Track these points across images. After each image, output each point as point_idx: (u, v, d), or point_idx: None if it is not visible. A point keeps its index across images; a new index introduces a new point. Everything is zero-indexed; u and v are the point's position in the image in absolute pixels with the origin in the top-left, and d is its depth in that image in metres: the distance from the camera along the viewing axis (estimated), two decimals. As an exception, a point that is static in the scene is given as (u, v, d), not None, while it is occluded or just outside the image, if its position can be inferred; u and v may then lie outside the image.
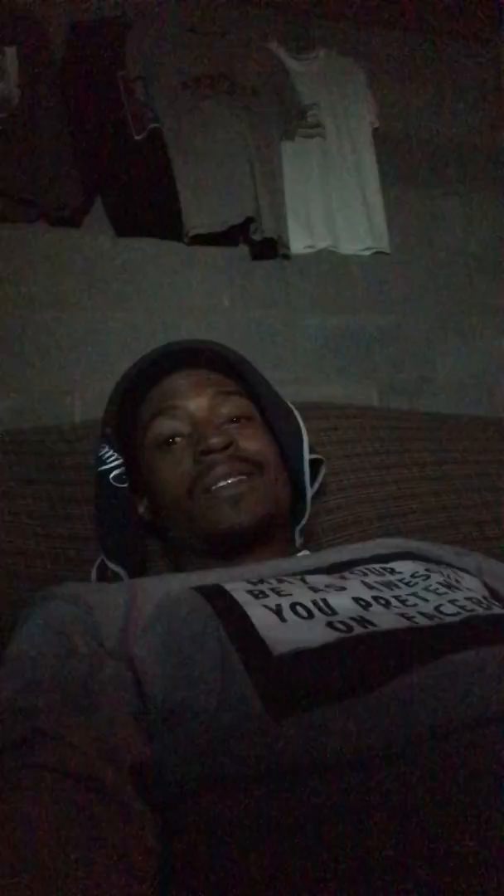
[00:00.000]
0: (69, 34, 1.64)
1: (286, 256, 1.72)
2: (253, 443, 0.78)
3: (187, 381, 0.82)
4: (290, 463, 0.85)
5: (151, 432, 0.80)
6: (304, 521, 0.87)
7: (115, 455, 0.83)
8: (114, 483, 0.82)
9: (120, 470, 0.82)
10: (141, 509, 0.86)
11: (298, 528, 0.87)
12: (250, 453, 0.76)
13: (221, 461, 0.74)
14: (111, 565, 0.82)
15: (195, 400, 0.80)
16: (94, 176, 1.58)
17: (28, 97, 1.51)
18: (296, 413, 0.88)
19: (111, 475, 0.82)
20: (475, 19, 2.01)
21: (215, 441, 0.74)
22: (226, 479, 0.74)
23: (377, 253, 1.82)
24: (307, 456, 0.86)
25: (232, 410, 0.80)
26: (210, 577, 0.67)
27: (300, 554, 0.83)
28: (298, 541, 0.87)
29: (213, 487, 0.74)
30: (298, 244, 1.73)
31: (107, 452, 0.83)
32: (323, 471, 0.89)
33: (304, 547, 0.87)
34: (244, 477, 0.75)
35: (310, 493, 0.86)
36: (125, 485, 0.82)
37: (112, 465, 0.82)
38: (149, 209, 1.63)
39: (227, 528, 0.73)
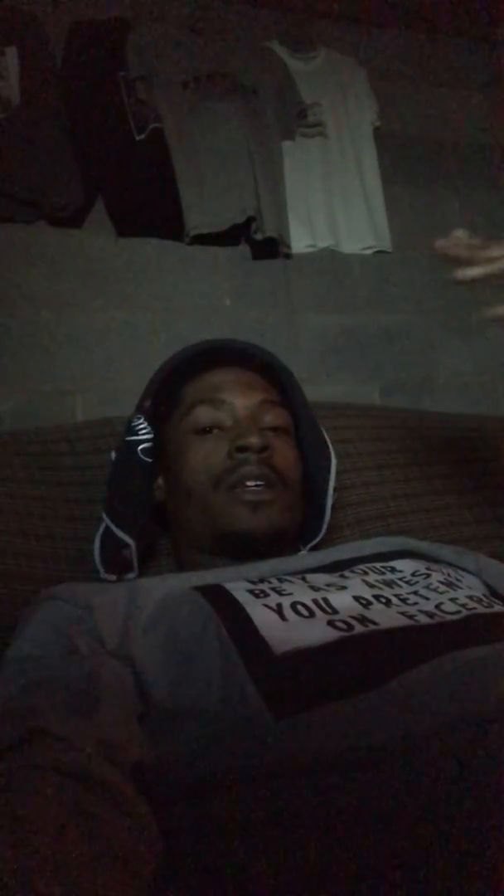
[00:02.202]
0: (70, 34, 1.64)
1: (287, 256, 1.72)
2: (285, 457, 0.79)
3: (238, 378, 0.83)
4: (310, 485, 0.85)
5: (192, 417, 0.80)
6: (315, 542, 0.87)
7: (149, 429, 0.83)
8: (140, 455, 0.83)
9: (149, 444, 0.83)
10: (156, 489, 0.86)
11: (308, 546, 0.87)
12: (281, 467, 0.77)
13: (253, 462, 0.75)
14: (119, 533, 0.82)
15: (242, 399, 0.80)
16: (95, 176, 1.59)
17: (28, 97, 1.51)
18: (327, 439, 0.89)
19: (140, 447, 0.83)
20: (473, 18, 2.01)
21: (255, 441, 0.75)
22: (253, 481, 0.74)
23: (379, 252, 1.82)
24: (332, 484, 0.86)
25: (274, 420, 0.81)
26: (210, 576, 0.67)
27: (301, 553, 0.83)
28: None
29: (239, 487, 0.74)
30: (300, 243, 1.73)
31: (140, 424, 0.84)
32: (335, 496, 0.89)
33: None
34: (268, 487, 0.75)
35: (328, 516, 0.87)
36: (150, 460, 0.83)
37: (143, 437, 0.83)
38: (150, 209, 1.63)
39: (242, 531, 0.73)
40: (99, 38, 1.64)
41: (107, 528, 0.83)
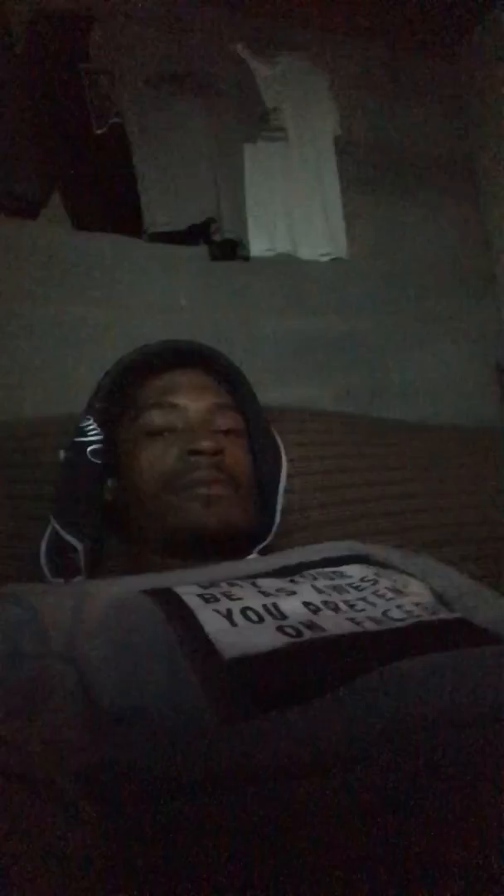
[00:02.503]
0: (32, 22, 1.60)
1: (246, 258, 1.72)
2: (237, 461, 0.79)
3: (191, 381, 0.83)
4: (263, 487, 0.86)
5: (144, 420, 0.79)
6: (265, 544, 0.88)
7: (98, 430, 0.82)
8: (90, 457, 0.81)
9: (98, 446, 0.82)
10: (106, 491, 0.85)
11: (258, 549, 0.88)
12: (233, 470, 0.77)
13: (206, 466, 0.75)
14: (67, 537, 0.80)
15: (195, 402, 0.80)
16: (54, 167, 1.55)
17: (-14, 83, 1.47)
18: (279, 441, 0.90)
19: (89, 448, 0.82)
20: (438, 34, 2.05)
21: (207, 444, 0.75)
22: (205, 485, 0.75)
23: (335, 259, 1.84)
24: (282, 486, 0.87)
25: (227, 423, 0.82)
26: (161, 579, 0.66)
27: (251, 557, 0.84)
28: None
29: (191, 489, 0.74)
30: (258, 246, 1.74)
31: (90, 425, 0.83)
32: (285, 499, 0.90)
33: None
34: (222, 488, 0.75)
35: (278, 518, 0.87)
36: (99, 461, 0.82)
37: (93, 438, 0.82)
38: (108, 204, 1.61)
39: (194, 527, 0.73)
40: (62, 27, 1.61)
41: (54, 530, 0.81)
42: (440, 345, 1.92)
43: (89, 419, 0.83)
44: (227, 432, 0.81)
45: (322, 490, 1.06)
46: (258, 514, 0.85)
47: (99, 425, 0.82)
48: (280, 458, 0.88)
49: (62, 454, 0.86)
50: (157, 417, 0.79)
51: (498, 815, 0.37)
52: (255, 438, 0.87)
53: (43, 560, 0.82)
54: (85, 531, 0.82)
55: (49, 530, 0.82)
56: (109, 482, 0.85)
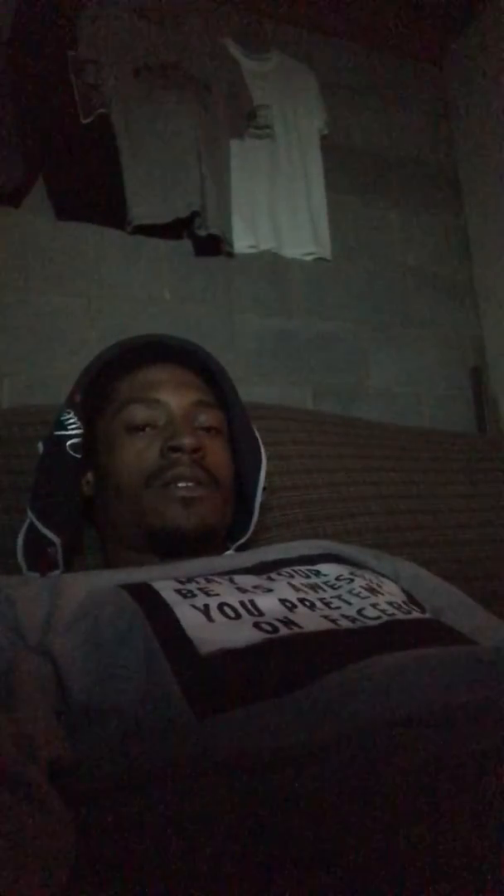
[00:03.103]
0: (20, 7, 1.58)
1: (229, 254, 1.72)
2: (217, 458, 0.79)
3: (173, 377, 0.82)
4: (241, 484, 0.86)
5: (125, 415, 0.79)
6: (243, 540, 0.88)
7: (78, 424, 0.82)
8: (69, 451, 0.81)
9: (78, 440, 0.81)
10: (84, 485, 0.85)
11: (235, 545, 0.88)
12: (213, 467, 0.77)
13: (186, 463, 0.75)
14: (44, 530, 0.80)
15: (177, 399, 0.80)
16: (38, 156, 1.54)
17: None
18: (258, 437, 0.90)
19: (68, 442, 0.81)
20: (425, 40, 2.07)
21: (188, 441, 0.75)
22: (185, 482, 0.74)
23: (318, 259, 1.85)
24: (261, 484, 0.87)
25: (208, 420, 0.81)
26: (138, 574, 0.66)
27: (228, 552, 0.84)
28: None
29: (171, 485, 0.74)
30: (242, 243, 1.74)
31: (70, 419, 0.82)
32: (265, 495, 0.90)
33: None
34: (200, 486, 0.75)
35: (256, 516, 0.87)
36: (79, 455, 0.81)
37: (72, 432, 0.81)
38: (92, 194, 1.59)
39: (172, 527, 0.73)
40: (50, 14, 1.59)
41: (31, 524, 0.81)
42: (419, 348, 1.94)
43: (69, 412, 0.82)
44: (208, 429, 0.81)
45: (300, 488, 1.06)
46: (236, 512, 0.85)
47: (79, 419, 0.82)
48: (260, 455, 0.89)
49: (40, 446, 0.85)
50: (138, 412, 0.79)
51: (468, 813, 0.38)
52: (235, 435, 0.87)
53: (20, 553, 0.81)
54: (62, 525, 0.81)
55: (27, 524, 0.81)
56: (89, 476, 0.84)
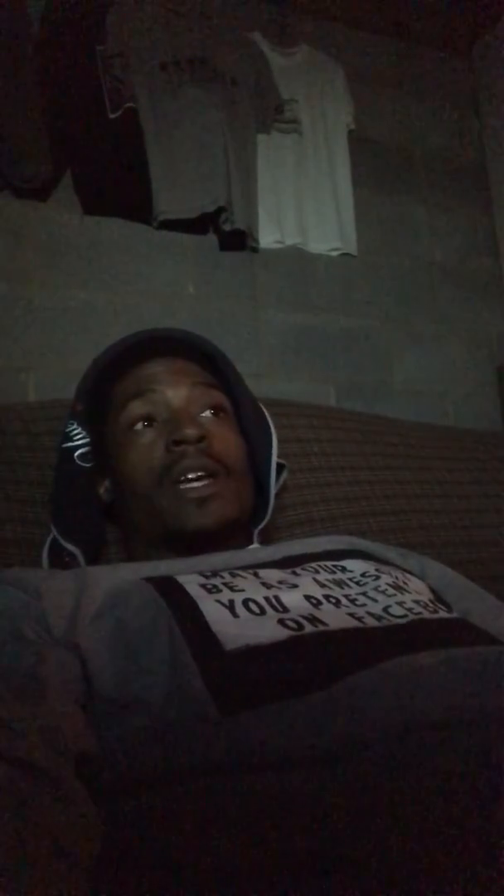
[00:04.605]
0: (48, 2, 1.59)
1: (254, 249, 1.71)
2: (224, 441, 0.78)
3: (167, 368, 0.81)
4: (256, 464, 0.85)
5: (126, 414, 0.79)
6: (264, 523, 0.87)
7: (83, 433, 0.82)
8: (78, 461, 0.81)
9: (86, 449, 0.81)
10: (101, 491, 0.85)
11: (258, 529, 0.87)
12: (221, 454, 0.76)
13: (192, 454, 0.74)
14: (67, 545, 0.80)
15: (174, 388, 0.79)
16: (66, 150, 1.55)
17: (1, 65, 1.46)
18: (267, 415, 0.89)
19: (76, 453, 0.81)
20: (454, 33, 2.04)
21: (189, 432, 0.74)
22: (194, 473, 0.74)
23: (344, 254, 1.84)
24: (275, 460, 0.86)
25: (209, 401, 0.80)
26: (163, 568, 0.66)
27: (252, 546, 0.84)
28: (256, 541, 0.88)
29: (181, 480, 0.74)
30: (267, 238, 1.73)
31: (74, 429, 0.82)
32: (285, 474, 0.89)
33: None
34: (211, 479, 0.75)
35: (273, 496, 0.87)
36: (89, 464, 0.81)
37: (78, 442, 0.82)
38: (119, 189, 1.60)
39: (192, 530, 0.73)
40: (79, 9, 1.59)
41: (54, 537, 0.81)
42: (444, 345, 1.92)
43: (73, 423, 0.82)
44: (213, 411, 0.80)
45: (323, 486, 1.06)
46: (254, 495, 0.84)
47: (83, 428, 0.82)
48: (270, 432, 0.88)
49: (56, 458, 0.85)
50: (136, 407, 0.78)
51: (491, 816, 0.37)
52: (242, 416, 0.86)
53: (45, 565, 0.82)
54: (84, 535, 0.82)
55: (50, 538, 0.82)
56: (106, 483, 0.84)
